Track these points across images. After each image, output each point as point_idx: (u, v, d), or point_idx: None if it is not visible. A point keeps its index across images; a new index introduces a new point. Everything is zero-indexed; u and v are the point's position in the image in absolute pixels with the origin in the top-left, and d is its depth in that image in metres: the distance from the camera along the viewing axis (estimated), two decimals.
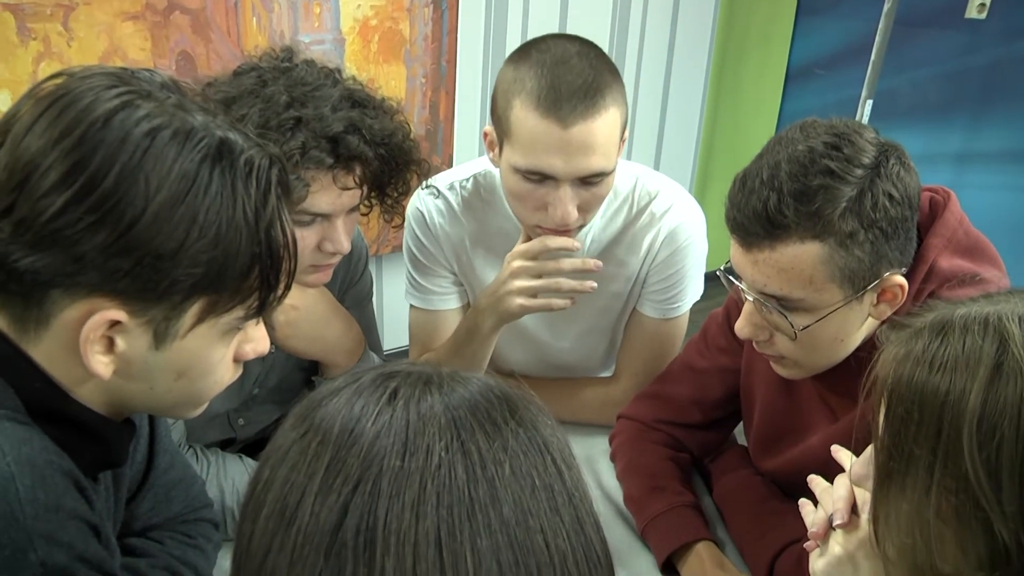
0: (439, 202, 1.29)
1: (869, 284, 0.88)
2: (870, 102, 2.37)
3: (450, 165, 2.35)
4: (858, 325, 0.92)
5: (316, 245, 1.07)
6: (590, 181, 1.09)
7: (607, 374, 1.44)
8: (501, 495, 0.42)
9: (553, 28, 2.58)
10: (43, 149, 0.57)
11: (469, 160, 1.36)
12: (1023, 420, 0.53)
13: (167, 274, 0.59)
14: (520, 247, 1.16)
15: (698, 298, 1.33)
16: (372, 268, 2.37)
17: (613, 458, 1.25)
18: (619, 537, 1.13)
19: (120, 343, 0.61)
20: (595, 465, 1.27)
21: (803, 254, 0.86)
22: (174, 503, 0.88)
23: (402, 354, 1.91)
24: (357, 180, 1.04)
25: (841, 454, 0.81)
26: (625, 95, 1.11)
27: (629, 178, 1.27)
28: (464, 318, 1.28)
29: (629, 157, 2.94)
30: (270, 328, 1.14)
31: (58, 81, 0.60)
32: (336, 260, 1.12)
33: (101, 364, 0.61)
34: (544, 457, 0.44)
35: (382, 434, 0.42)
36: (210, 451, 1.12)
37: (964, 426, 0.54)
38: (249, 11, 1.93)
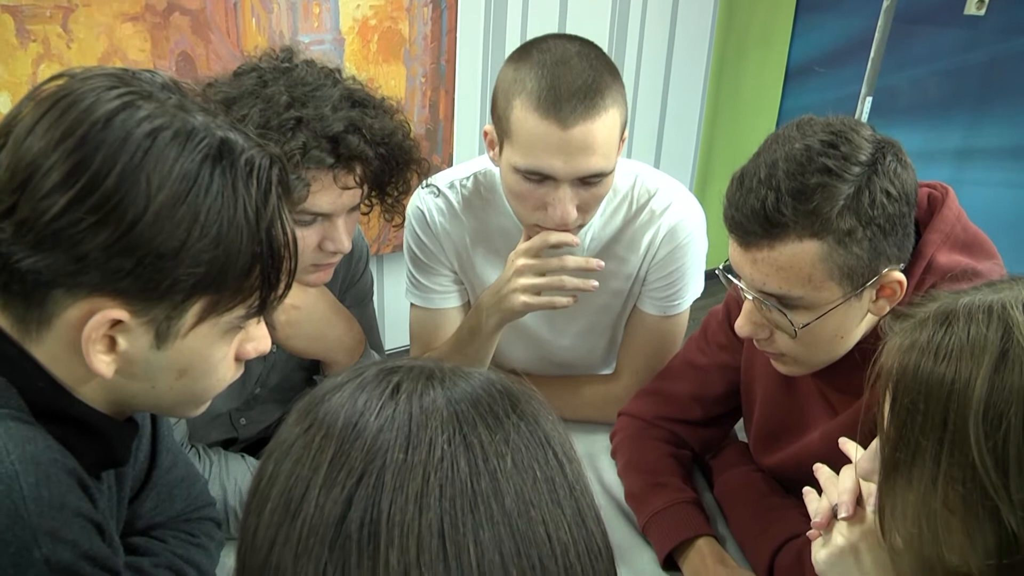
0: (439, 201, 1.29)
1: (868, 281, 0.88)
2: (870, 99, 2.37)
3: (450, 164, 2.35)
4: (857, 321, 0.92)
5: (317, 244, 1.07)
6: (589, 181, 1.09)
7: (608, 371, 1.44)
8: (503, 487, 0.42)
9: (552, 26, 2.59)
10: (45, 150, 0.57)
11: (469, 159, 1.36)
12: None
13: (168, 273, 0.59)
14: (523, 245, 1.16)
15: (698, 295, 1.34)
16: (373, 267, 2.37)
17: (614, 455, 1.25)
18: (621, 533, 1.14)
19: (122, 342, 0.62)
20: (596, 462, 1.27)
21: (802, 252, 0.86)
22: (177, 502, 0.89)
23: (403, 353, 1.91)
24: (358, 179, 1.04)
25: (848, 446, 0.82)
26: (625, 95, 1.11)
27: (628, 176, 1.28)
28: (467, 317, 1.28)
29: (629, 155, 2.94)
30: (271, 328, 1.14)
31: (59, 82, 0.60)
32: (337, 259, 1.12)
33: (103, 363, 0.62)
34: (545, 450, 0.45)
35: (385, 428, 0.43)
36: (212, 450, 1.12)
37: (970, 415, 0.54)
38: (248, 12, 1.93)
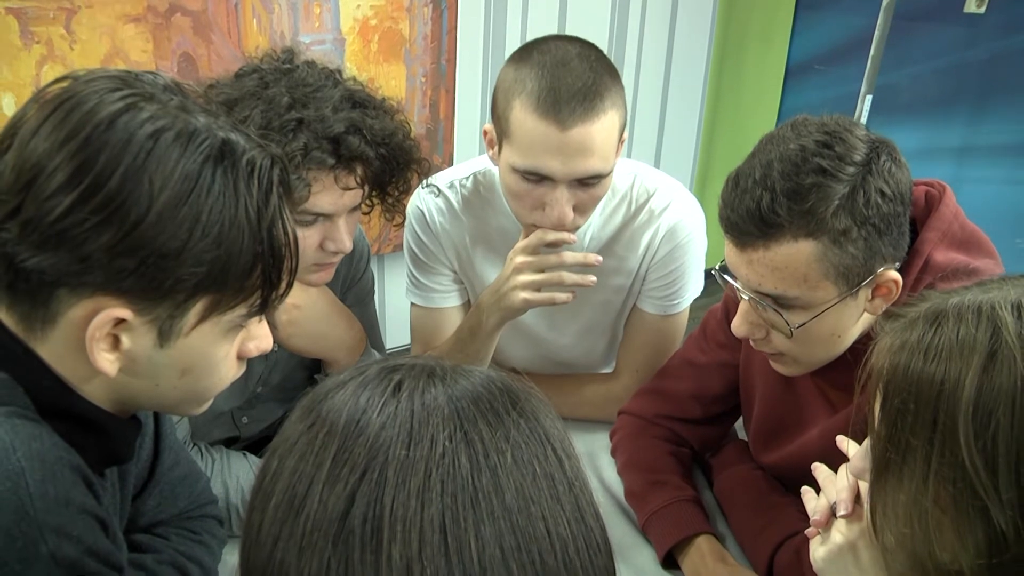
0: (439, 200, 1.30)
1: (863, 280, 0.88)
2: (870, 97, 2.37)
3: (451, 164, 2.35)
4: (854, 321, 0.92)
5: (318, 244, 1.08)
6: (587, 183, 1.10)
7: (608, 370, 1.45)
8: (503, 483, 0.43)
9: (552, 25, 2.59)
10: (49, 151, 0.58)
11: (469, 159, 1.37)
12: (1018, 407, 0.53)
13: (171, 273, 0.60)
14: (521, 243, 1.17)
15: (698, 294, 1.34)
16: (374, 267, 2.37)
17: (614, 453, 1.26)
18: (620, 531, 1.14)
19: (125, 341, 0.63)
20: (596, 460, 1.28)
21: (797, 253, 0.86)
22: (179, 500, 0.89)
23: (404, 352, 1.92)
24: (358, 180, 1.05)
25: (846, 444, 0.82)
26: (624, 97, 1.12)
27: (627, 176, 1.28)
28: (467, 316, 1.29)
29: (629, 155, 2.94)
30: (272, 327, 1.15)
31: (63, 84, 0.61)
32: (338, 259, 1.13)
33: (107, 362, 0.62)
34: (545, 447, 0.46)
35: (387, 425, 0.44)
36: (215, 449, 1.13)
37: (959, 414, 0.55)
38: (249, 12, 1.94)
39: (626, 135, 1.16)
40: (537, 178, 1.09)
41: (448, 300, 1.36)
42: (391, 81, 2.26)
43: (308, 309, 1.15)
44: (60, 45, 1.71)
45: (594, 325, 1.37)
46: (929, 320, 0.60)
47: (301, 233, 1.06)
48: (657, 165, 3.06)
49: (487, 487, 0.42)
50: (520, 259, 1.16)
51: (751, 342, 1.00)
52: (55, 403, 0.64)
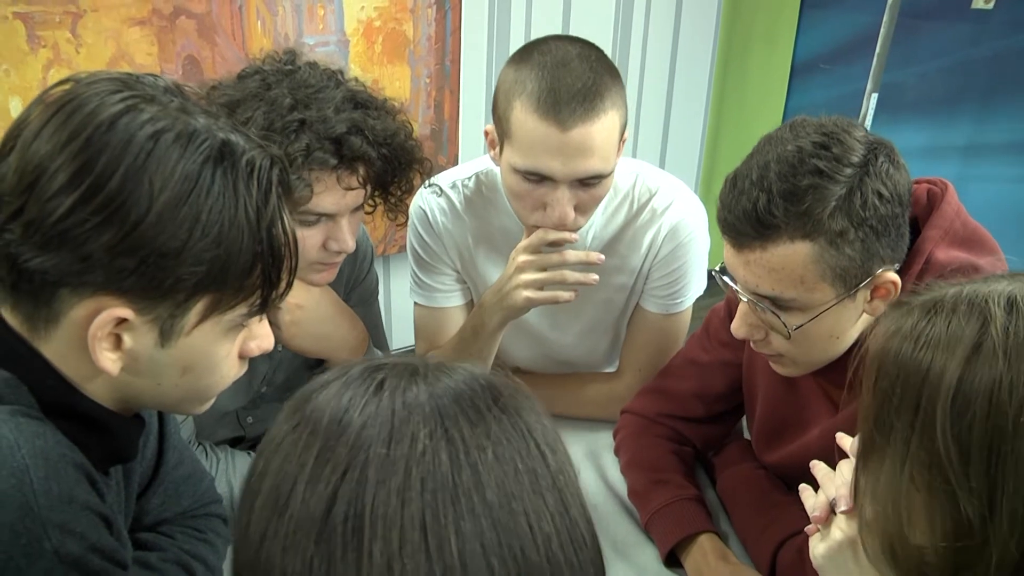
0: (441, 200, 1.30)
1: (861, 282, 0.88)
2: (875, 95, 2.36)
3: (456, 164, 2.36)
4: (852, 322, 0.92)
5: (321, 244, 1.09)
6: (588, 183, 1.10)
7: (611, 369, 1.45)
8: (484, 479, 0.43)
9: (556, 26, 2.59)
10: (51, 153, 0.59)
11: (474, 159, 1.37)
12: (994, 400, 0.54)
13: (171, 272, 0.61)
14: (523, 243, 1.17)
15: (701, 293, 1.34)
16: (380, 268, 2.37)
17: (617, 452, 1.26)
18: (623, 530, 1.14)
19: (127, 340, 0.63)
20: (599, 460, 1.28)
21: (793, 254, 0.86)
22: (184, 498, 0.90)
23: (409, 352, 1.92)
24: (360, 180, 1.06)
25: (845, 441, 0.82)
26: (625, 97, 1.12)
27: (629, 175, 1.28)
28: (470, 316, 1.29)
29: (634, 155, 2.93)
30: (275, 327, 1.16)
31: (66, 87, 0.62)
32: (341, 259, 1.13)
33: (109, 361, 0.63)
34: (527, 442, 0.46)
35: (369, 423, 0.44)
36: (220, 448, 1.14)
37: (939, 402, 0.56)
38: (254, 14, 1.95)
39: (627, 135, 1.16)
40: (538, 178, 1.10)
41: (451, 300, 1.36)
42: (395, 82, 2.27)
43: (311, 309, 1.16)
44: (66, 49, 1.72)
45: (596, 324, 1.37)
46: (925, 309, 0.61)
47: (304, 233, 1.07)
48: (662, 166, 3.06)
49: (467, 484, 0.43)
50: (522, 258, 1.16)
51: (751, 343, 1.00)
52: (59, 402, 0.65)
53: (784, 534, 1.03)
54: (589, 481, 1.24)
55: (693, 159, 3.21)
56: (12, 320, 0.64)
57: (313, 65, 1.09)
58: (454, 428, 0.44)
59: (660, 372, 1.27)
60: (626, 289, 1.33)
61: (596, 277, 1.16)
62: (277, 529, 0.43)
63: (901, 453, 0.59)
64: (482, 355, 1.27)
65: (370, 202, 1.14)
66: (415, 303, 1.39)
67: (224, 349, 0.68)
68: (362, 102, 1.08)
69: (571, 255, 1.15)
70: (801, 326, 0.90)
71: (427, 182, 1.23)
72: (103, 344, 0.62)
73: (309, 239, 1.08)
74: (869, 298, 0.91)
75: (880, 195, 0.85)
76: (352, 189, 1.05)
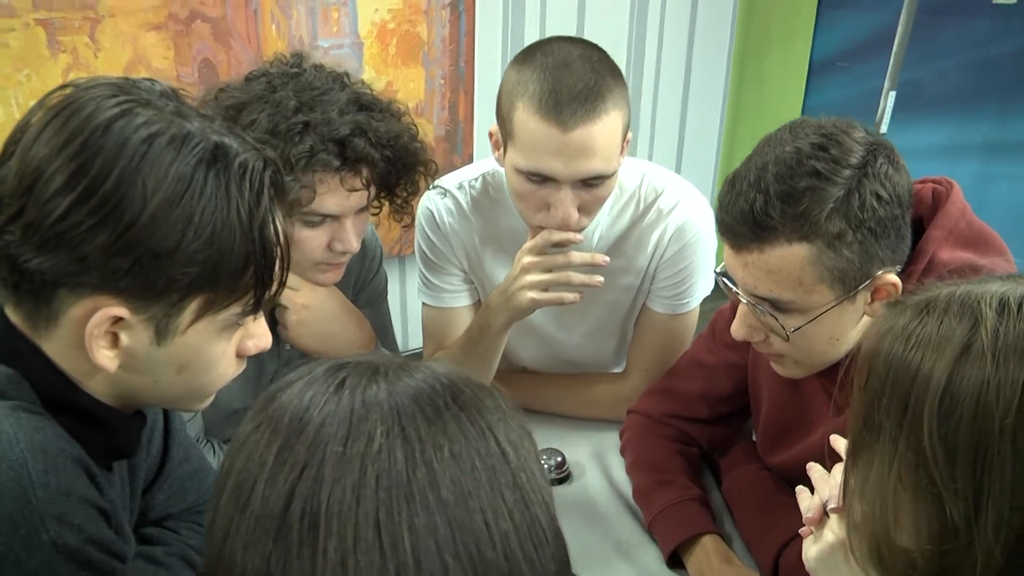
0: (448, 201, 1.31)
1: (860, 284, 0.88)
2: (893, 93, 2.33)
3: (470, 165, 2.36)
4: (853, 324, 0.92)
5: (326, 245, 1.10)
6: (591, 183, 1.11)
7: (619, 370, 1.45)
8: (439, 477, 0.43)
9: (571, 26, 2.59)
10: (49, 156, 0.60)
11: (483, 160, 1.38)
12: (982, 402, 0.54)
13: (165, 272, 0.62)
14: (528, 244, 1.18)
15: (708, 293, 1.34)
16: (395, 268, 2.38)
17: (623, 452, 1.26)
18: (627, 531, 1.15)
19: (124, 338, 0.65)
20: (605, 460, 1.28)
21: (790, 256, 0.86)
22: (188, 494, 0.92)
23: (419, 354, 1.93)
24: (364, 181, 1.07)
25: (839, 443, 0.82)
26: (628, 98, 1.12)
27: (635, 175, 1.28)
28: (476, 316, 1.30)
29: (650, 157, 2.93)
30: (282, 327, 1.18)
31: (65, 92, 0.64)
32: (346, 259, 1.15)
33: (106, 358, 0.65)
34: (487, 440, 0.46)
35: (327, 422, 0.45)
36: (227, 446, 1.15)
37: (927, 402, 0.56)
38: (268, 18, 1.97)
39: (631, 135, 1.16)
40: (541, 179, 1.10)
41: (459, 300, 1.37)
42: (409, 84, 2.28)
43: (317, 309, 1.17)
44: (85, 53, 1.76)
45: (603, 325, 1.38)
46: (918, 308, 0.61)
47: (309, 233, 1.08)
48: (678, 167, 3.05)
49: (422, 481, 0.43)
50: (527, 259, 1.17)
51: (752, 344, 1.00)
52: (60, 398, 0.67)
53: (787, 536, 1.03)
54: (594, 481, 1.24)
55: (710, 160, 3.19)
56: (15, 318, 0.66)
57: (319, 68, 1.10)
58: (411, 426, 0.44)
59: (666, 373, 1.27)
60: (632, 289, 1.33)
61: (601, 279, 1.16)
62: (239, 526, 0.44)
63: (889, 453, 0.59)
64: (487, 355, 1.28)
65: (376, 203, 1.15)
66: (423, 303, 1.40)
67: (219, 348, 0.69)
68: (366, 104, 1.09)
69: (576, 256, 1.15)
70: (799, 328, 0.90)
71: (434, 183, 1.24)
72: (100, 342, 0.64)
73: (314, 239, 1.09)
74: (869, 300, 0.91)
75: (879, 197, 0.85)
76: (356, 190, 1.06)
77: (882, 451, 0.59)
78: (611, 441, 1.30)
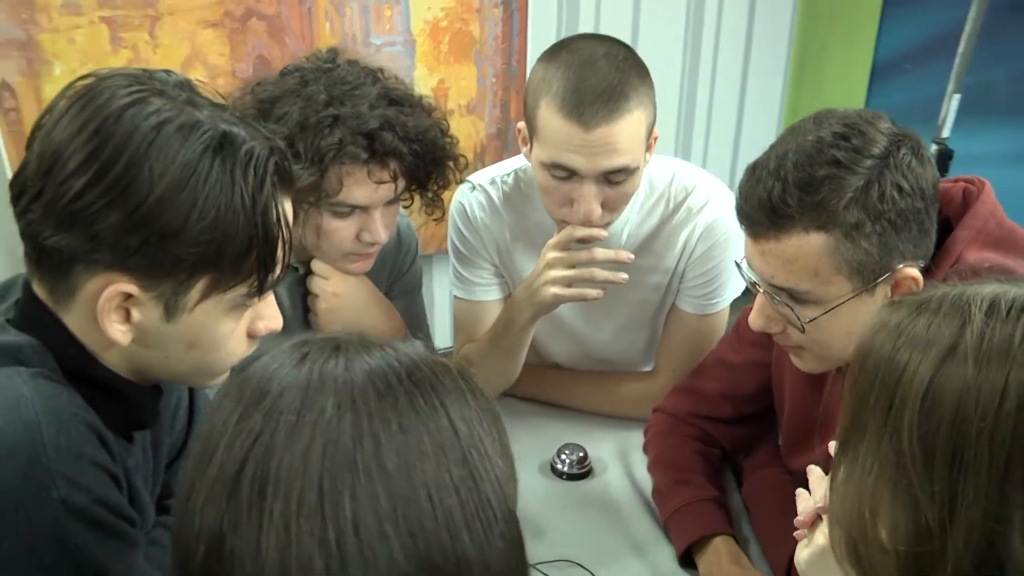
0: (480, 196, 1.33)
1: (879, 277, 0.86)
2: (957, 96, 2.25)
3: None
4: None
5: (355, 235, 1.13)
6: (614, 180, 1.11)
7: (649, 368, 1.44)
8: (384, 450, 0.45)
9: (625, 28, 2.58)
10: (66, 140, 0.65)
11: (516, 156, 1.39)
12: (961, 405, 0.53)
13: (171, 252, 0.66)
14: (553, 239, 1.19)
15: (738, 295, 1.32)
16: (433, 264, 2.39)
17: (645, 450, 1.26)
18: (643, 529, 1.15)
19: (135, 314, 0.69)
20: (628, 458, 1.28)
21: (807, 245, 0.85)
22: None
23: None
24: (392, 174, 1.09)
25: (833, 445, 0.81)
26: (654, 96, 1.12)
27: (666, 173, 1.28)
28: (503, 310, 1.31)
29: (704, 161, 2.89)
30: (312, 314, 1.21)
31: (87, 81, 0.68)
32: (375, 250, 1.18)
33: (119, 332, 0.69)
34: (438, 417, 0.47)
35: (285, 392, 0.47)
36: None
37: (909, 403, 0.55)
38: (322, 15, 2.03)
39: (658, 132, 1.16)
40: (565, 174, 1.11)
41: (489, 293, 1.39)
42: (461, 82, 2.31)
43: (347, 298, 1.20)
44: (144, 49, 1.84)
45: (632, 322, 1.37)
46: (913, 307, 0.60)
47: (338, 224, 1.12)
48: (733, 172, 2.99)
49: (367, 452, 0.45)
50: (552, 255, 1.18)
51: (772, 336, 0.98)
52: (79, 369, 0.71)
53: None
54: (615, 478, 1.25)
55: None
56: (40, 291, 0.71)
57: (353, 63, 1.14)
58: (361, 400, 0.46)
59: (692, 372, 1.26)
60: (661, 288, 1.32)
61: (625, 276, 1.16)
62: (199, 489, 0.47)
63: (872, 452, 0.58)
64: (513, 349, 1.29)
65: (407, 197, 1.17)
66: (455, 296, 1.42)
67: (227, 327, 0.73)
68: (396, 99, 1.11)
69: (600, 253, 1.16)
70: (815, 319, 0.89)
71: (467, 178, 1.26)
72: (112, 316, 0.68)
73: (343, 230, 1.12)
74: (889, 294, 0.88)
75: (900, 188, 0.83)
76: (383, 183, 1.09)
77: (866, 450, 0.59)
78: (636, 439, 1.30)
